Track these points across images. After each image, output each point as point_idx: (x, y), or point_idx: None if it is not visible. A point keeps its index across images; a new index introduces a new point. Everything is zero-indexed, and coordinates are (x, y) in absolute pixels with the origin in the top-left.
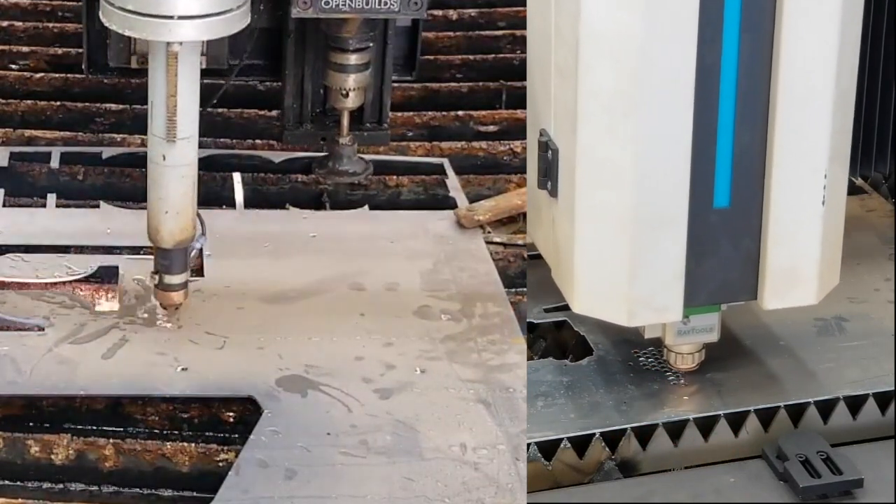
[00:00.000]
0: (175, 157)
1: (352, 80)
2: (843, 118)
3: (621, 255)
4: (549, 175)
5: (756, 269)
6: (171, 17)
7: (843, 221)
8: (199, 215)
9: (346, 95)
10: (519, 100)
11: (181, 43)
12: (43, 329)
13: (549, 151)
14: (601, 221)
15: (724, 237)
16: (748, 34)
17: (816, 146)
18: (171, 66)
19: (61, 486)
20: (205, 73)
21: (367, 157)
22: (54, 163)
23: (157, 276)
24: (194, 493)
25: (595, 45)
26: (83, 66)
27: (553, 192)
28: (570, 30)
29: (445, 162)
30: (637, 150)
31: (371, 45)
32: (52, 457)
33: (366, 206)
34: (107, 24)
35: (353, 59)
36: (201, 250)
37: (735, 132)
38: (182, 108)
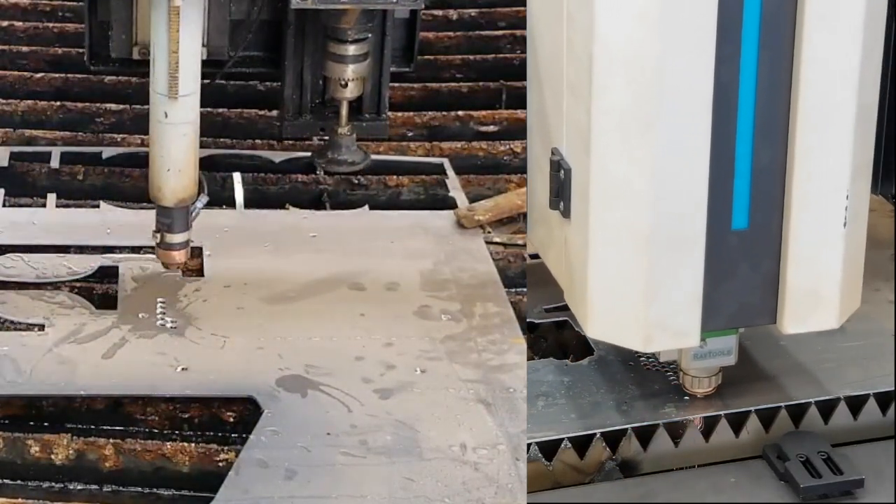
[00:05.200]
0: (177, 115)
1: (350, 71)
2: (866, 135)
3: (637, 277)
4: (561, 195)
5: (776, 292)
6: None
7: (864, 242)
8: (200, 175)
9: (345, 86)
10: (519, 100)
11: None
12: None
13: (562, 171)
14: (616, 243)
15: (742, 259)
16: (767, 50)
17: (838, 165)
18: (172, 23)
19: (61, 486)
20: (205, 64)
21: None
22: (54, 163)
23: (158, 235)
24: (194, 493)
25: (609, 62)
26: (85, 59)
27: (566, 213)
28: (583, 46)
29: (445, 162)
30: (653, 169)
31: (370, 35)
32: (52, 457)
33: (366, 206)
34: None
35: (352, 49)
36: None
37: (754, 151)
38: (184, 65)
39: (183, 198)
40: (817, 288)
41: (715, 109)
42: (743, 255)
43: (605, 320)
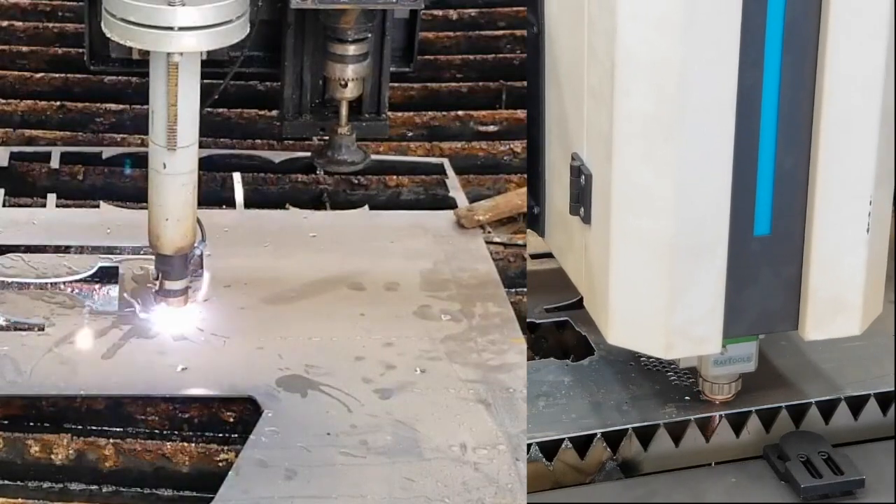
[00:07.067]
0: (175, 166)
1: (350, 71)
2: (889, 140)
3: (658, 284)
4: (581, 201)
5: (798, 298)
6: (171, 28)
7: (886, 247)
8: (198, 221)
9: (345, 86)
10: (519, 100)
11: (181, 53)
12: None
13: (583, 177)
14: (637, 250)
15: (764, 266)
16: (790, 55)
17: (861, 171)
18: (171, 77)
19: (61, 486)
20: (205, 65)
21: None
22: (54, 163)
23: (157, 282)
24: (194, 493)
25: (632, 67)
26: (85, 59)
27: (586, 219)
28: (605, 52)
29: (445, 162)
30: (675, 176)
31: (369, 35)
32: (52, 457)
33: (366, 206)
34: (108, 35)
35: (352, 49)
36: (201, 255)
37: (777, 157)
38: (182, 118)
39: (181, 246)
40: (840, 294)
41: (738, 115)
42: (765, 261)
43: (625, 327)
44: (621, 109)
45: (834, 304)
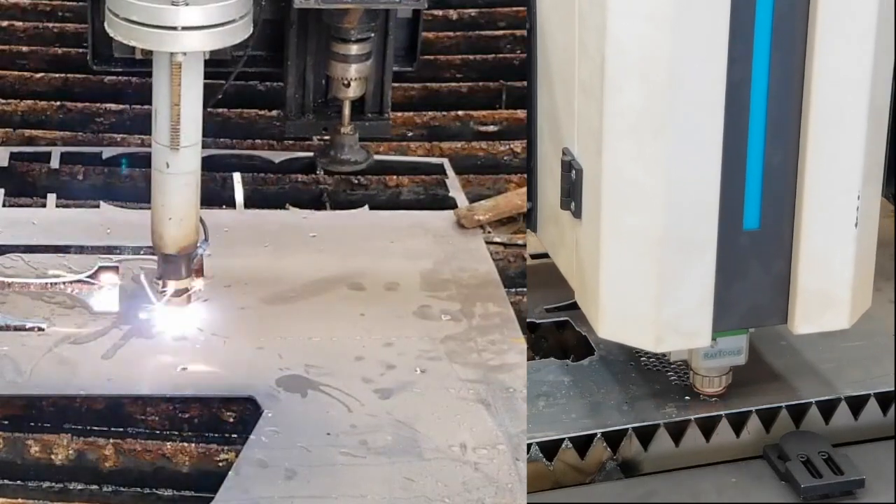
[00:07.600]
0: (179, 165)
1: (353, 70)
2: (877, 137)
3: (649, 278)
4: (572, 195)
5: (787, 292)
6: (174, 28)
7: (875, 243)
8: (202, 221)
9: (348, 85)
10: (519, 100)
11: (185, 53)
12: (43, 329)
13: (573, 171)
14: (628, 244)
15: (754, 260)
16: (779, 51)
17: (850, 166)
18: (174, 76)
19: (61, 486)
20: (208, 64)
21: None
22: (54, 163)
23: (160, 282)
24: (194, 493)
25: (622, 62)
26: (88, 59)
27: (577, 214)
28: (595, 47)
29: (445, 162)
30: (665, 171)
31: (372, 35)
32: (52, 457)
33: (366, 206)
34: (112, 35)
35: (355, 49)
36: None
37: (766, 152)
38: (185, 117)
39: (184, 246)
40: (828, 288)
41: (727, 110)
42: (754, 255)
43: (616, 321)
44: (611, 104)
45: (822, 299)
